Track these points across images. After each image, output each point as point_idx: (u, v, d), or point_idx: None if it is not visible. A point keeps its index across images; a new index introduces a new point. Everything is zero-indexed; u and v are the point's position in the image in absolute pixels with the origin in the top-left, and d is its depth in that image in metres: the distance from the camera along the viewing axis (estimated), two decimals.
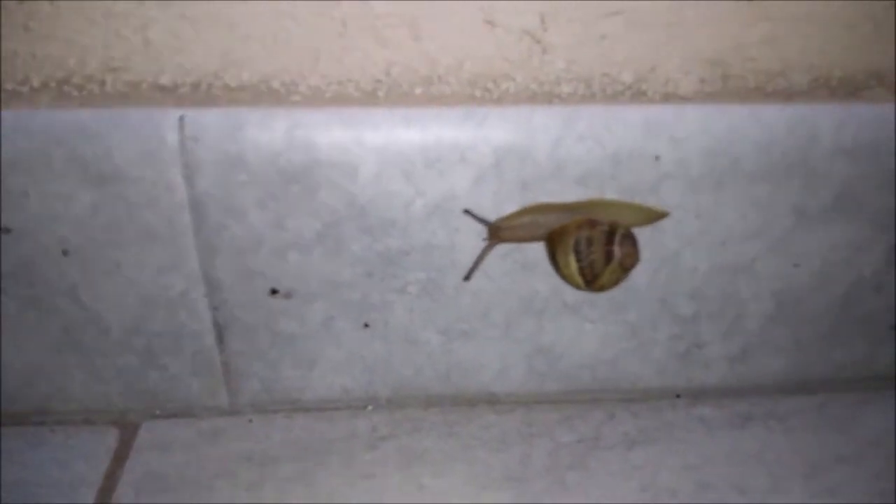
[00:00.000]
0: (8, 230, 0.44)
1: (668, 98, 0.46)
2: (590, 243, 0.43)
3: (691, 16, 0.44)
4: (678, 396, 0.56)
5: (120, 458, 0.49)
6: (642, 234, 0.48)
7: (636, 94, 0.46)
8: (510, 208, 0.46)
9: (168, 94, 0.43)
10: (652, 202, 0.47)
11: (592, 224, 0.44)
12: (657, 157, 0.45)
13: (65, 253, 0.46)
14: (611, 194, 0.46)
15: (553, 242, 0.45)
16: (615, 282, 0.45)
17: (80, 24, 0.41)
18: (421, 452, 0.51)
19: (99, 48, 0.42)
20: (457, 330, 0.51)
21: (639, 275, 0.49)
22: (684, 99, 0.46)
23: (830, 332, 0.54)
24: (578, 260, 0.44)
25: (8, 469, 0.49)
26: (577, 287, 0.45)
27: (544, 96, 0.46)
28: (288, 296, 0.48)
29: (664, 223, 0.48)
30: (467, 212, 0.45)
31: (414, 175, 0.44)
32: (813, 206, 0.48)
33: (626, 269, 0.45)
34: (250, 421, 0.52)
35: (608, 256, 0.44)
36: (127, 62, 0.43)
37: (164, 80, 0.43)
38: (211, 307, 0.48)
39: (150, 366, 0.50)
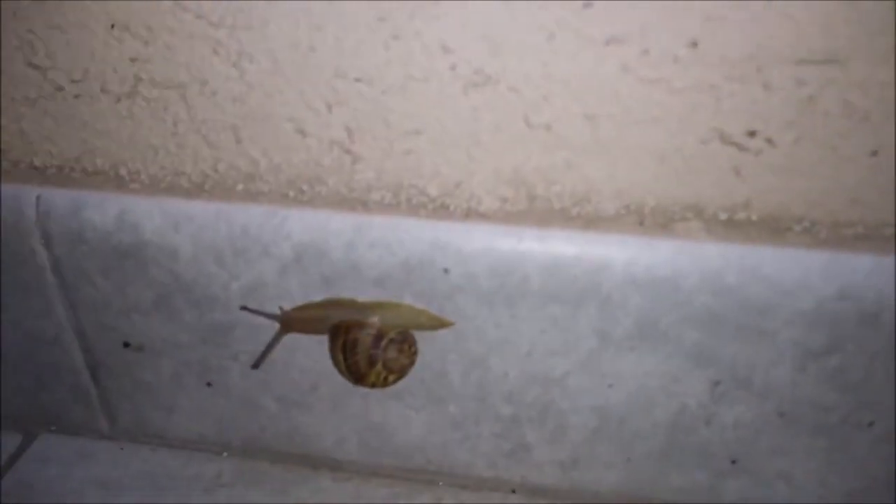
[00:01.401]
0: None
1: (469, 214, 0.48)
2: (355, 345, 0.47)
3: (489, 139, 0.46)
4: (513, 491, 0.57)
5: (9, 465, 0.59)
6: (446, 336, 0.50)
7: (439, 208, 0.48)
8: (317, 297, 0.50)
9: (39, 175, 0.52)
10: (449, 309, 0.49)
11: (361, 326, 0.47)
12: (446, 270, 0.47)
13: None
14: (409, 298, 0.49)
15: (330, 339, 0.48)
16: (385, 381, 0.48)
17: None
18: None
19: None
20: (290, 399, 0.56)
21: (453, 372, 0.52)
22: (485, 216, 0.48)
23: (663, 455, 0.52)
24: (345, 359, 0.47)
25: None
26: (351, 383, 0.49)
27: (354, 201, 0.49)
28: (140, 349, 0.55)
29: (465, 329, 0.49)
30: (245, 308, 0.50)
31: (225, 261, 0.50)
32: (615, 331, 0.48)
33: (393, 371, 0.47)
34: (122, 448, 0.60)
35: (371, 360, 0.46)
36: (9, 146, 0.51)
37: (37, 162, 0.52)
38: (82, 350, 0.56)
39: (42, 389, 0.59)
